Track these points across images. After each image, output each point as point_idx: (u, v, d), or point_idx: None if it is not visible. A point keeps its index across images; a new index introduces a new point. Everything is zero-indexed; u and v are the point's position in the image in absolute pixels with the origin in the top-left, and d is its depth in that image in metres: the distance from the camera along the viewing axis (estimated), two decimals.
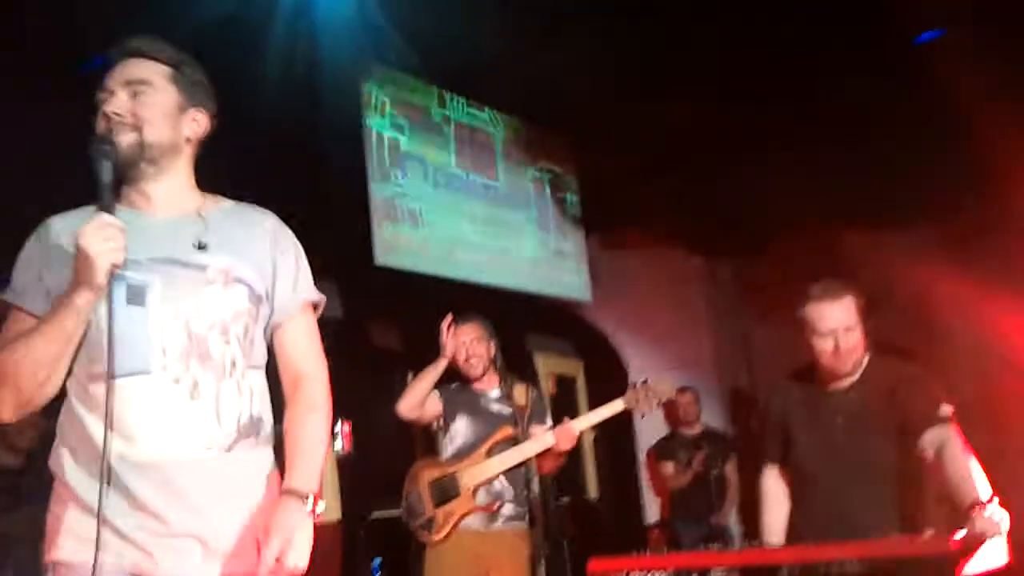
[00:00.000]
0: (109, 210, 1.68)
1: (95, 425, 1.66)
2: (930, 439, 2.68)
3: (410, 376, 6.66)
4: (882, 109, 5.07)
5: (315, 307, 1.97)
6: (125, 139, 1.76)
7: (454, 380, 4.12)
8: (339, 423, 6.10)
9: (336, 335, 6.21)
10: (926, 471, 2.72)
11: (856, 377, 2.85)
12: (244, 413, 1.78)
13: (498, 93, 5.74)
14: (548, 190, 6.43)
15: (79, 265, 1.63)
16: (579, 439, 3.99)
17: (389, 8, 4.30)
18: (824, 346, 2.79)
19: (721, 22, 4.56)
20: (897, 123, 5.14)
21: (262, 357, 1.87)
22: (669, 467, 6.37)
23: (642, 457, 7.24)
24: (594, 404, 3.97)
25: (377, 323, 6.51)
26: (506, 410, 3.98)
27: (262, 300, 1.86)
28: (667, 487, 6.48)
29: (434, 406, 4.03)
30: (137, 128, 1.78)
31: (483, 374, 4.04)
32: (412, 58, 4.87)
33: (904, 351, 3.22)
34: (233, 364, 1.78)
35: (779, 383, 3.09)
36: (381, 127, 5.20)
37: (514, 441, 3.88)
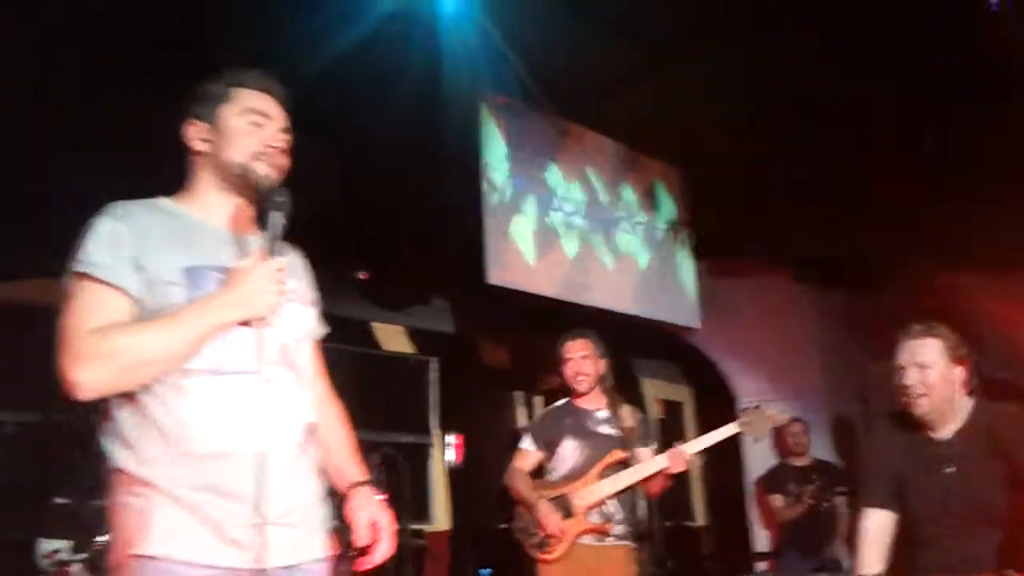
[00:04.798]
0: (279, 254, 1.82)
1: (189, 418, 1.72)
2: None
3: (517, 395, 6.81)
4: (1004, 157, 4.93)
5: None
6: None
7: (557, 395, 4.22)
8: (450, 435, 6.28)
9: (448, 351, 6.39)
10: None
11: (960, 424, 2.84)
12: (310, 419, 1.92)
13: (612, 119, 5.79)
14: (659, 217, 6.46)
15: (246, 294, 1.75)
16: (689, 464, 4.00)
17: (508, 36, 4.41)
18: (896, 379, 2.84)
19: (845, 57, 4.52)
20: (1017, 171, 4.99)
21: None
22: (778, 499, 6.26)
23: (750, 486, 7.14)
24: (702, 430, 3.98)
25: (487, 340, 6.67)
26: (613, 431, 4.00)
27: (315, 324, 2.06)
28: (776, 519, 6.37)
29: (536, 459, 4.12)
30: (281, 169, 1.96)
31: (589, 392, 4.07)
32: (528, 84, 4.99)
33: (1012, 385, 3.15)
34: (305, 374, 1.94)
35: (880, 426, 3.07)
36: (496, 151, 5.34)
37: (624, 464, 3.93)
